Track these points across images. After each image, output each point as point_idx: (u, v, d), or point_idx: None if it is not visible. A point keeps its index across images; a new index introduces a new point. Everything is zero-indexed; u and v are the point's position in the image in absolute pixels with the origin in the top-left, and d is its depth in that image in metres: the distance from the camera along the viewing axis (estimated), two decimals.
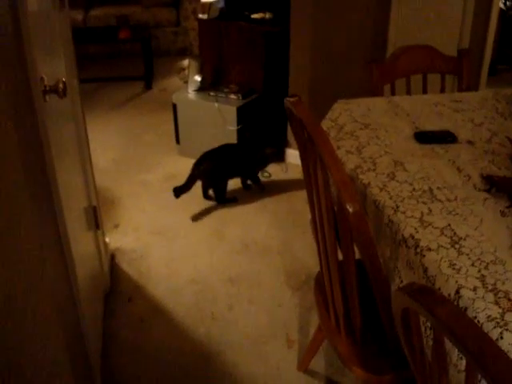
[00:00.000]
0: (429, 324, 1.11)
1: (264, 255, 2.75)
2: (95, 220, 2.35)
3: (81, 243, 1.93)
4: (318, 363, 2.12)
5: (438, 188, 1.41)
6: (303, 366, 2.09)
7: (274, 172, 3.58)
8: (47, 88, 1.51)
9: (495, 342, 0.65)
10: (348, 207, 1.12)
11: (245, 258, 2.73)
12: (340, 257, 1.37)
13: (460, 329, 0.64)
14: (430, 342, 1.11)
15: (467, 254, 1.14)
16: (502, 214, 1.30)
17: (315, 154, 1.27)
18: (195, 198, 3.24)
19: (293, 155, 3.66)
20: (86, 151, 2.32)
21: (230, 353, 2.17)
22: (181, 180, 3.13)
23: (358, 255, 1.28)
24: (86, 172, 2.28)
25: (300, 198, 3.26)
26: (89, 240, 2.20)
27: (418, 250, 1.17)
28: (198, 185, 3.20)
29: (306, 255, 2.73)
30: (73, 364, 1.51)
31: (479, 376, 0.85)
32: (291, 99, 1.34)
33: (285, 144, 3.72)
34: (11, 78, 1.19)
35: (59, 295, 1.46)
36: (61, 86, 1.55)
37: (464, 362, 1.05)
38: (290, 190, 3.37)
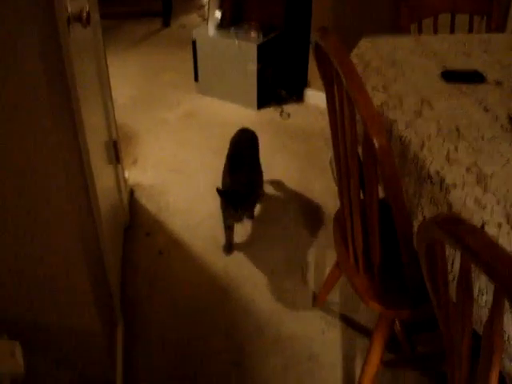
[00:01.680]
0: (452, 260, 1.12)
1: (282, 193, 2.76)
2: (116, 154, 2.36)
3: (102, 176, 1.95)
4: (333, 301, 2.15)
5: (465, 127, 1.39)
6: (318, 303, 2.13)
7: (293, 112, 3.55)
8: (71, 16, 1.49)
9: None
10: (375, 141, 1.11)
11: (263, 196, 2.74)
12: (361, 196, 1.38)
13: (490, 256, 0.65)
14: (451, 278, 1.12)
15: (493, 192, 1.14)
16: None
17: (342, 89, 1.25)
18: (215, 136, 3.23)
19: (312, 96, 3.62)
20: (107, 85, 2.30)
21: (247, 288, 2.21)
22: (200, 119, 3.11)
23: (380, 195, 1.29)
24: (107, 106, 2.27)
25: (319, 138, 3.24)
26: (109, 174, 2.21)
27: (444, 186, 1.16)
28: (222, 123, 3.17)
29: (324, 196, 2.74)
30: (94, 292, 1.54)
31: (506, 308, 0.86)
32: (319, 32, 1.32)
33: (305, 84, 3.67)
34: (35, 6, 1.17)
35: (82, 226, 1.48)
36: (84, 14, 1.53)
37: (485, 297, 1.07)
38: (309, 131, 3.35)
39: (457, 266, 1.11)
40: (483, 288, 1.06)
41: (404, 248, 1.31)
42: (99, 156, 1.94)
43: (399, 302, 1.49)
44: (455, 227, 0.72)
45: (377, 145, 1.12)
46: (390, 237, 1.45)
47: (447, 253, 1.16)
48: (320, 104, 3.56)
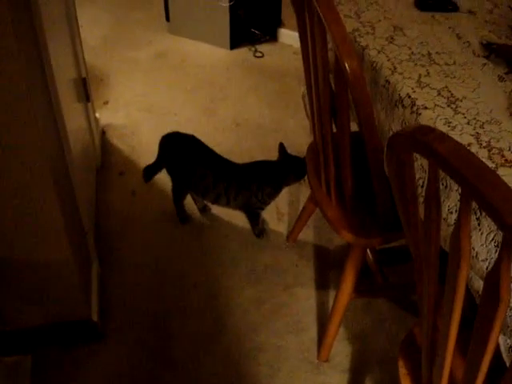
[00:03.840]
0: (422, 182, 1.13)
1: (256, 133, 2.74)
2: (85, 92, 2.31)
3: (72, 114, 1.91)
4: (307, 235, 2.18)
5: (437, 53, 1.38)
6: (293, 237, 2.15)
7: (266, 52, 3.49)
8: None
9: (495, 172, 0.65)
10: (345, 63, 1.10)
11: (236, 135, 2.72)
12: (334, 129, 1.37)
13: (461, 161, 0.65)
14: (421, 200, 1.13)
15: (463, 114, 1.14)
16: (500, 78, 1.29)
17: (313, 15, 1.23)
18: (187, 76, 3.18)
19: (286, 35, 3.56)
20: (75, 23, 2.23)
21: (222, 225, 2.22)
22: (171, 59, 3.04)
23: (352, 129, 1.28)
24: (75, 44, 2.21)
25: (293, 78, 3.20)
26: (79, 113, 2.17)
27: (414, 108, 1.16)
28: (194, 63, 3.10)
29: (298, 134, 2.73)
30: (66, 228, 1.53)
31: (475, 216, 0.87)
32: None
33: (279, 23, 3.60)
34: None
35: (53, 161, 1.46)
36: None
37: (454, 216, 1.08)
38: (283, 71, 3.31)
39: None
40: (452, 207, 1.07)
41: (375, 175, 1.31)
42: (68, 93, 1.89)
43: (370, 231, 1.51)
44: (424, 135, 0.72)
45: (348, 67, 1.10)
46: (361, 168, 1.46)
47: (417, 176, 1.17)
48: (294, 44, 3.51)
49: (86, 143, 2.26)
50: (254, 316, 1.89)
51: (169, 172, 2.17)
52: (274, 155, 2.14)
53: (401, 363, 1.24)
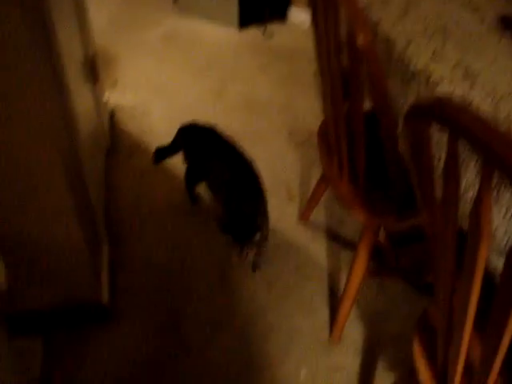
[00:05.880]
0: (438, 157, 1.10)
1: (266, 113, 2.71)
2: (94, 73, 2.28)
3: (80, 94, 1.89)
4: (319, 216, 2.15)
5: (453, 26, 1.34)
6: (304, 218, 2.12)
7: (276, 31, 3.45)
8: None
9: None
10: (358, 37, 1.07)
11: (246, 115, 2.69)
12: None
13: (482, 129, 0.62)
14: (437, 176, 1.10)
15: (480, 87, 1.11)
16: None
17: None
18: (196, 56, 3.14)
19: (297, 15, 3.51)
20: (82, 3, 2.20)
21: None
22: (180, 39, 3.01)
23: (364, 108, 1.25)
24: (82, 24, 2.18)
25: (303, 57, 3.16)
26: (88, 94, 2.14)
27: (430, 82, 1.13)
28: (203, 43, 3.07)
29: (309, 114, 2.70)
30: (76, 208, 1.52)
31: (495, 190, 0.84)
32: None
33: (289, 2, 3.55)
34: None
35: (61, 141, 1.44)
36: None
37: (471, 193, 1.05)
38: (293, 51, 3.26)
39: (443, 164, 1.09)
40: (469, 184, 1.05)
41: (388, 152, 1.29)
42: (76, 74, 1.87)
43: (384, 210, 1.49)
44: (444, 105, 0.69)
45: (361, 41, 1.07)
46: (373, 147, 1.43)
47: (433, 151, 1.14)
48: (304, 23, 3.46)
49: (95, 124, 2.23)
50: (266, 297, 1.88)
51: (186, 159, 2.13)
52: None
53: (416, 342, 1.22)
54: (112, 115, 2.67)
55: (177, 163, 2.31)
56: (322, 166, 1.68)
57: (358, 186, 1.53)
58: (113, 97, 2.80)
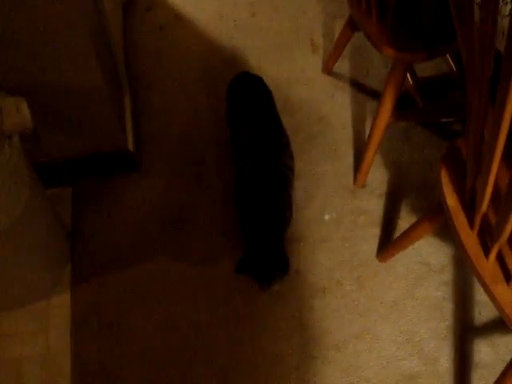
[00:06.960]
0: None
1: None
2: None
3: None
4: (343, 66, 2.09)
5: None
6: (328, 68, 2.07)
7: None
8: None
9: None
10: None
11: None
12: None
13: None
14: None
15: None
16: None
17: None
18: None
19: None
20: None
21: (255, 58, 2.14)
22: None
23: None
24: None
25: None
26: None
27: None
28: None
29: None
30: (96, 50, 1.49)
31: None
32: None
33: None
34: None
35: None
36: None
37: (508, 6, 1.00)
38: None
39: None
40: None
41: None
42: None
43: (414, 45, 1.44)
44: None
45: None
46: None
47: None
48: None
49: None
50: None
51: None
52: None
53: (443, 172, 1.21)
54: None
55: (195, 15, 2.24)
56: (349, 5, 1.61)
57: (387, 22, 1.46)
58: None
